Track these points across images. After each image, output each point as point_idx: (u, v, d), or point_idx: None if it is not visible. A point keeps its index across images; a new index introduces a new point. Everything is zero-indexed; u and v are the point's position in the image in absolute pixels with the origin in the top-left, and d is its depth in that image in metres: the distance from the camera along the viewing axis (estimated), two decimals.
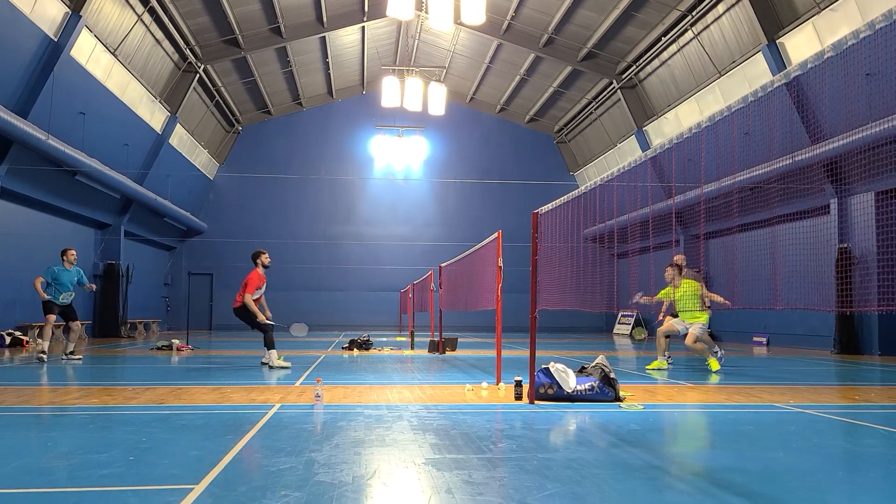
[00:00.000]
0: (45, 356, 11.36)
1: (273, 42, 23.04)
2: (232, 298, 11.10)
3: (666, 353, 11.55)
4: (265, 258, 10.96)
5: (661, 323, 11.34)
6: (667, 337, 11.04)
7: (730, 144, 17.25)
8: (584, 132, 28.62)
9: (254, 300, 10.59)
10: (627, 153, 25.26)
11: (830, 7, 14.53)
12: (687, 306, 10.43)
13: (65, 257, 11.84)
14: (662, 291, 11.02)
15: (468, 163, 31.03)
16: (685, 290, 10.53)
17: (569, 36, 22.37)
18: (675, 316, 11.01)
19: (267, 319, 10.65)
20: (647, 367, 10.77)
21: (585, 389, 6.65)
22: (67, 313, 11.85)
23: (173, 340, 15.10)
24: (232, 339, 20.60)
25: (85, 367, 10.68)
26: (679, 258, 11.02)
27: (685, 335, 10.61)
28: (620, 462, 4.10)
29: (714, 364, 10.37)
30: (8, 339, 15.16)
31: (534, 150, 31.30)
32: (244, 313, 10.65)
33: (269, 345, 10.46)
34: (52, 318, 11.65)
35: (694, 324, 10.48)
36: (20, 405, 6.31)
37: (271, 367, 10.27)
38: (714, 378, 9.46)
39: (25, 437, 4.82)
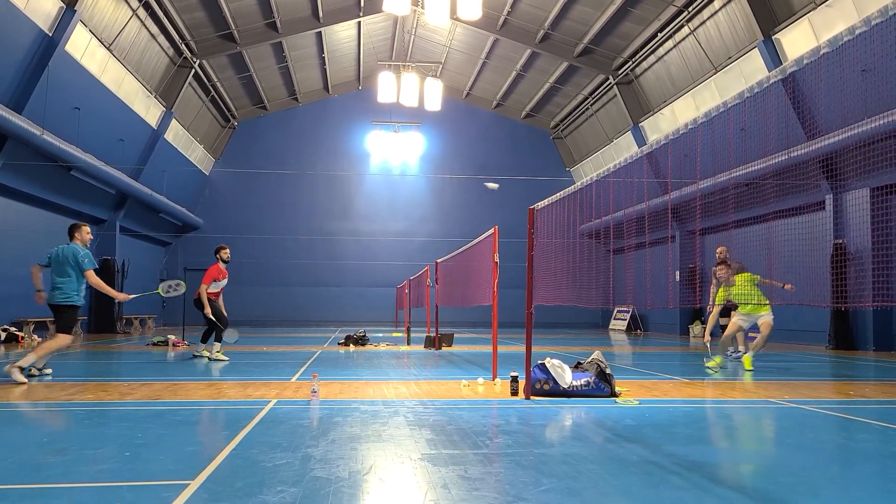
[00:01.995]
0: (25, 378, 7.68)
1: (269, 37, 22.97)
2: (227, 294, 11.41)
3: (729, 351, 11.68)
4: (224, 253, 11.31)
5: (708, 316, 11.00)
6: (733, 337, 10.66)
7: (726, 140, 17.27)
8: (581, 128, 28.62)
9: (213, 293, 11.05)
10: (624, 149, 25.27)
11: (826, 3, 14.54)
12: (751, 299, 10.06)
13: (77, 234, 8.43)
14: (720, 294, 10.63)
15: (464, 158, 31.02)
16: (743, 283, 10.19)
17: (565, 31, 22.35)
18: (733, 309, 10.72)
19: (213, 315, 10.93)
20: (705, 364, 10.29)
21: (581, 385, 6.67)
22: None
23: (169, 336, 15.09)
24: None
25: (80, 363, 10.66)
26: (722, 250, 10.81)
27: (751, 328, 10.39)
28: (616, 457, 4.11)
29: (747, 361, 9.97)
30: (3, 336, 15.11)
31: (530, 146, 31.30)
32: (200, 304, 11.02)
33: (218, 338, 11.04)
34: (69, 339, 8.22)
35: (764, 315, 10.16)
36: (16, 401, 6.30)
37: (210, 359, 10.87)
38: (747, 376, 9.13)
39: (21, 432, 4.82)
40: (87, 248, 8.39)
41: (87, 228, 8.56)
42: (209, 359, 10.93)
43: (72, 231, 8.47)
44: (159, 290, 10.13)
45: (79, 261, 8.10)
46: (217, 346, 11.02)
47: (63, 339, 8.11)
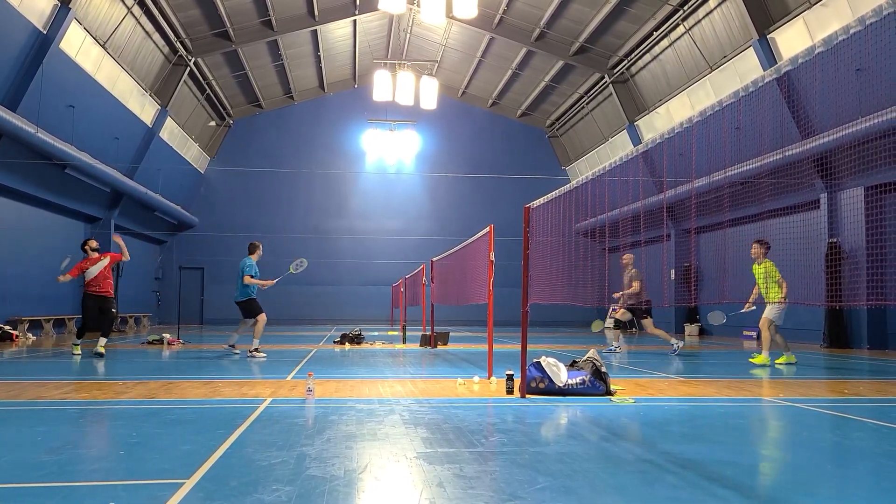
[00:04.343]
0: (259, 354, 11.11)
1: (264, 35, 22.93)
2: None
3: (679, 344, 12.30)
4: (90, 244, 11.87)
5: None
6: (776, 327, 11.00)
7: (721, 139, 17.30)
8: (576, 126, 28.65)
9: (91, 280, 11.31)
10: (619, 147, 25.30)
11: (821, 2, 14.57)
12: (761, 288, 10.66)
13: (256, 252, 11.80)
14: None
15: (460, 157, 31.02)
16: (764, 270, 10.66)
17: (561, 30, 22.36)
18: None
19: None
20: (776, 361, 10.71)
21: (577, 383, 6.67)
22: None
23: (164, 335, 15.05)
24: (223, 333, 20.52)
25: (76, 362, 10.63)
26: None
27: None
28: (611, 456, 4.12)
29: (759, 359, 10.51)
30: None
31: (525, 145, 31.32)
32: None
33: (80, 334, 11.56)
34: (264, 316, 11.62)
35: (771, 306, 10.61)
36: (10, 399, 6.28)
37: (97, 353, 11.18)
38: (758, 371, 9.58)
39: (16, 431, 4.80)
40: (251, 259, 11.60)
41: (259, 245, 11.87)
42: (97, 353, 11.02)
43: (250, 248, 11.87)
44: (291, 270, 12.31)
45: (241, 269, 11.53)
46: (102, 340, 11.23)
47: (262, 320, 11.52)
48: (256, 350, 11.20)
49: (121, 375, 8.62)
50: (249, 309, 11.62)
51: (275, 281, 11.80)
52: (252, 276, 11.50)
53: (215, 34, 22.08)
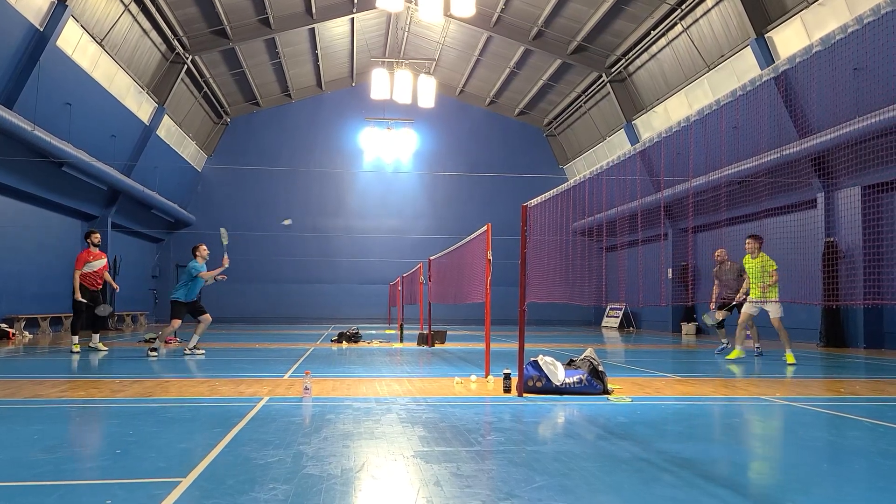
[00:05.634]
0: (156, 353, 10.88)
1: (262, 33, 22.90)
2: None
3: (757, 346, 12.26)
4: (94, 238, 12.14)
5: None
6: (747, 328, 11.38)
7: (718, 138, 17.30)
8: (574, 125, 28.65)
9: (89, 273, 11.79)
10: (616, 147, 25.31)
11: (819, 1, 14.59)
12: (758, 283, 10.82)
13: (198, 253, 11.67)
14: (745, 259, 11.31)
15: (458, 156, 31.01)
16: (759, 264, 10.82)
17: (558, 29, 22.36)
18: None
19: (84, 299, 11.75)
20: (726, 357, 11.13)
21: (574, 382, 6.68)
22: (197, 308, 11.67)
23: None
24: (220, 331, 20.50)
25: (72, 360, 10.61)
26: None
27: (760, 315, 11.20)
28: (608, 454, 4.12)
29: (790, 357, 10.68)
30: None
31: (523, 144, 31.32)
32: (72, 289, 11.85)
33: (73, 330, 11.89)
34: (179, 322, 11.41)
35: (772, 305, 10.83)
36: (6, 398, 6.26)
37: (91, 347, 11.94)
38: (790, 371, 9.71)
39: (11, 430, 4.79)
40: (197, 263, 11.49)
41: (203, 247, 11.78)
42: (94, 348, 11.81)
43: (193, 251, 11.77)
44: (224, 241, 11.98)
45: (188, 270, 11.41)
46: (95, 336, 12.11)
47: (173, 324, 11.38)
48: (156, 347, 11.21)
49: (117, 374, 8.61)
50: (172, 310, 11.42)
51: (224, 267, 11.62)
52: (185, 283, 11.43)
53: (213, 32, 22.05)
